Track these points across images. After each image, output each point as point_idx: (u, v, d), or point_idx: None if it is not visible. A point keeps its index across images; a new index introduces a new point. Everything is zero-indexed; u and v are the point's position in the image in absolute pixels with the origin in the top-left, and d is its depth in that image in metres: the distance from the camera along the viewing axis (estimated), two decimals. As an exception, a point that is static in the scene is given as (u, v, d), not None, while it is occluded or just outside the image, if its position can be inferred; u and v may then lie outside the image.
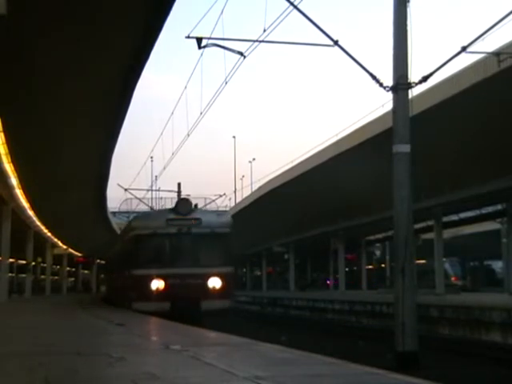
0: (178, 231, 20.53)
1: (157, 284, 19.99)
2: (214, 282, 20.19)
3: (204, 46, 14.92)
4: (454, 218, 41.39)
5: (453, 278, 50.77)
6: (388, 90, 13.36)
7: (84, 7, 15.42)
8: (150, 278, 19.99)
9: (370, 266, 63.65)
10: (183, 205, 21.19)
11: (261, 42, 14.88)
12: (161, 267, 20.26)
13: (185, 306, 19.27)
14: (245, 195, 56.21)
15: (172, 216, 20.83)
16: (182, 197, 23.48)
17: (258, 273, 78.69)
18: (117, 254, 29.46)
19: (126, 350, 8.98)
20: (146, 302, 19.86)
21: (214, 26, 15.24)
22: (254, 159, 70.30)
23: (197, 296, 19.59)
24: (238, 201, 58.97)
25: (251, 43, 15.17)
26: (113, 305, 30.41)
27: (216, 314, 19.87)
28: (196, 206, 22.51)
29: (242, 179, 67.95)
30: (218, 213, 25.43)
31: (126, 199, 51.98)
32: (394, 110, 13.35)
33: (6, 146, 25.51)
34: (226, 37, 15.14)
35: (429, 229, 38.08)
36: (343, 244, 49.43)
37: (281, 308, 44.54)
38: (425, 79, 13.38)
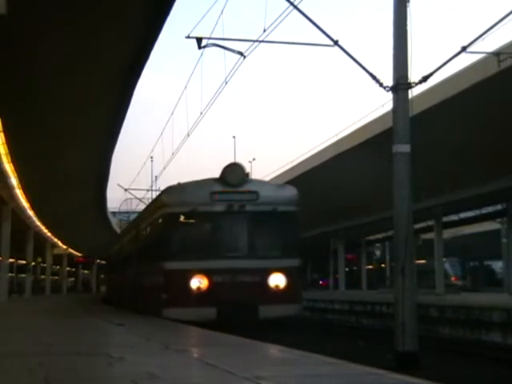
0: (226, 209, 15.58)
1: (198, 282, 15.21)
2: (277, 280, 15.52)
3: (204, 46, 14.92)
4: (454, 218, 41.41)
5: (453, 278, 50.79)
6: (388, 90, 13.35)
7: (84, 7, 15.42)
8: (189, 275, 15.16)
9: (370, 266, 63.69)
10: (234, 172, 15.88)
11: (261, 42, 14.88)
12: (203, 259, 15.26)
13: (236, 312, 14.72)
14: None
15: (218, 188, 15.78)
16: (232, 161, 16.54)
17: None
18: (131, 244, 23.37)
19: (125, 350, 8.98)
20: (182, 308, 15.07)
21: (214, 26, 15.24)
22: (254, 159, 70.20)
23: (253, 299, 15.08)
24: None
25: (251, 43, 15.17)
26: (112, 305, 30.41)
27: (278, 324, 15.37)
28: (248, 174, 17.09)
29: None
30: (280, 185, 19.30)
31: (126, 199, 52.06)
32: (394, 110, 13.34)
33: (5, 145, 25.51)
34: (225, 37, 15.15)
35: (429, 229, 38.10)
36: (343, 244, 49.45)
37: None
38: (425, 79, 13.37)
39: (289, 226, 16.02)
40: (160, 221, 16.60)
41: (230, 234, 15.69)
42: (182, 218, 15.80)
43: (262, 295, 15.18)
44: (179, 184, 16.66)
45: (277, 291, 15.42)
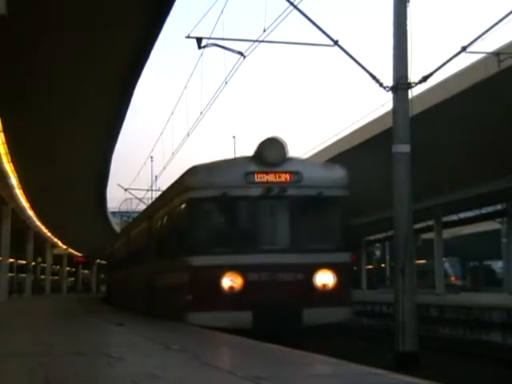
0: (264, 193, 13.20)
1: (230, 281, 12.85)
2: (325, 278, 13.23)
3: (204, 46, 14.93)
4: (454, 218, 41.41)
5: (453, 278, 50.78)
6: (388, 90, 13.36)
7: (84, 7, 15.42)
8: (219, 272, 12.84)
9: (370, 266, 63.66)
10: (273, 149, 13.39)
11: (261, 42, 14.89)
12: (236, 253, 13.03)
13: (276, 318, 12.56)
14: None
15: (254, 168, 13.36)
16: (271, 136, 13.74)
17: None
18: (141, 237, 20.81)
19: (125, 350, 8.98)
20: (210, 312, 12.75)
21: (214, 26, 15.25)
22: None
23: (296, 301, 12.82)
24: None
25: (251, 43, 15.18)
26: (113, 305, 30.39)
27: (323, 330, 13.23)
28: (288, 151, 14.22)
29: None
30: (327, 164, 16.62)
31: (126, 199, 52.12)
32: (394, 110, 13.34)
33: (5, 145, 25.52)
34: (226, 37, 15.16)
35: (429, 229, 38.08)
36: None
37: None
38: (425, 79, 13.38)
39: (338, 214, 13.68)
40: (183, 208, 13.94)
41: (267, 222, 13.37)
42: (210, 204, 13.38)
43: (306, 297, 12.90)
44: (207, 163, 13.85)
45: (324, 292, 13.09)
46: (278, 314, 12.55)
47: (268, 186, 13.23)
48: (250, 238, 13.18)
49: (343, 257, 13.68)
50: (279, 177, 13.35)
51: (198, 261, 13.08)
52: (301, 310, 12.80)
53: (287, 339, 11.09)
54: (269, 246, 13.13)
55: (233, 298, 12.74)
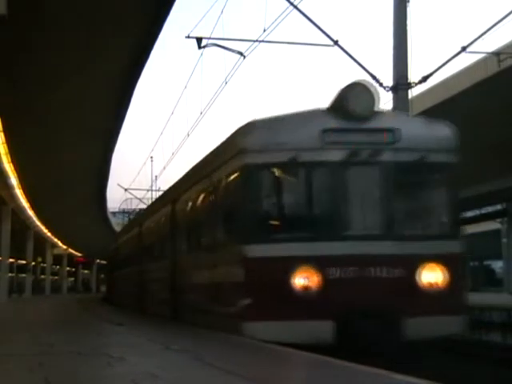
0: (348, 158, 9.74)
1: (303, 279, 9.42)
2: (434, 276, 9.76)
3: (204, 46, 14.95)
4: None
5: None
6: (388, 90, 13.38)
7: (84, 7, 15.43)
8: (287, 267, 9.40)
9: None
10: (361, 98, 9.87)
11: (261, 41, 14.90)
12: (311, 241, 9.61)
13: (368, 328, 9.20)
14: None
15: (334, 123, 9.91)
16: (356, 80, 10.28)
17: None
18: (162, 225, 17.26)
19: (126, 350, 8.98)
20: (276, 322, 9.38)
21: (214, 26, 15.25)
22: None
23: (396, 307, 9.43)
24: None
25: (251, 43, 15.18)
26: (113, 305, 30.27)
27: (430, 345, 10.39)
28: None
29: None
30: (430, 120, 11.06)
31: (126, 199, 52.16)
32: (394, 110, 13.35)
33: (5, 145, 25.53)
34: (226, 37, 15.17)
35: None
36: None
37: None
38: (425, 79, 13.41)
39: (447, 187, 10.45)
40: (234, 179, 10.38)
41: (354, 198, 9.80)
42: (273, 173, 9.93)
43: (409, 301, 9.54)
44: (267, 118, 10.36)
45: (433, 294, 9.68)
46: (371, 324, 9.24)
47: (354, 148, 9.78)
48: (329, 219, 9.74)
49: (456, 246, 10.17)
50: (370, 136, 9.90)
51: (258, 251, 9.63)
52: (401, 318, 9.42)
53: (381, 358, 8.34)
54: (356, 231, 9.69)
55: (307, 303, 9.36)
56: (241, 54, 15.32)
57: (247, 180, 9.93)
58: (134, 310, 22.21)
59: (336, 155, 9.75)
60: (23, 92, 20.50)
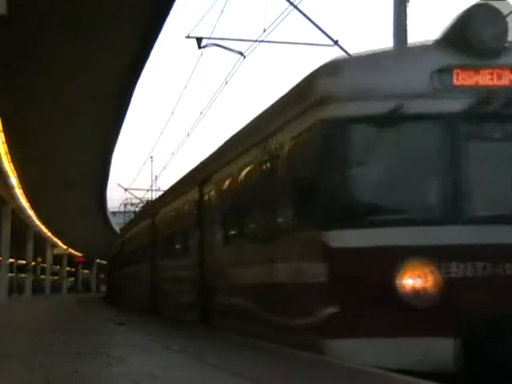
0: (474, 108, 7.10)
1: (412, 280, 6.84)
2: None
3: (204, 46, 14.94)
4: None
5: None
6: (388, 90, 13.33)
7: (84, 7, 15.44)
8: (388, 262, 6.82)
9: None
10: (488, 25, 7.11)
11: (261, 41, 14.89)
12: (422, 224, 7.02)
13: (508, 349, 6.48)
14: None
15: (452, 60, 7.20)
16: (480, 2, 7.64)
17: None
18: (181, 215, 15.16)
19: (126, 349, 8.98)
20: (373, 339, 6.90)
21: (214, 26, 15.24)
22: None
23: None
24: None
25: (251, 43, 15.16)
26: (114, 305, 30.23)
27: None
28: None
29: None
30: None
31: (126, 199, 52.16)
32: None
33: (5, 145, 25.55)
34: (225, 37, 15.17)
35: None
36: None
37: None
38: (425, 79, 13.36)
39: None
40: (310, 139, 7.65)
41: (482, 166, 7.16)
42: (368, 131, 7.22)
43: None
44: (354, 56, 8.33)
45: None
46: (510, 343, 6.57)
47: (482, 95, 7.13)
48: (450, 195, 7.10)
49: None
50: (503, 77, 7.18)
51: (346, 239, 7.10)
52: None
53: None
54: (488, 212, 7.06)
55: (419, 313, 6.82)
56: (241, 53, 15.32)
57: (330, 140, 7.28)
58: (142, 311, 20.71)
59: (456, 105, 7.12)
60: (23, 92, 20.51)
